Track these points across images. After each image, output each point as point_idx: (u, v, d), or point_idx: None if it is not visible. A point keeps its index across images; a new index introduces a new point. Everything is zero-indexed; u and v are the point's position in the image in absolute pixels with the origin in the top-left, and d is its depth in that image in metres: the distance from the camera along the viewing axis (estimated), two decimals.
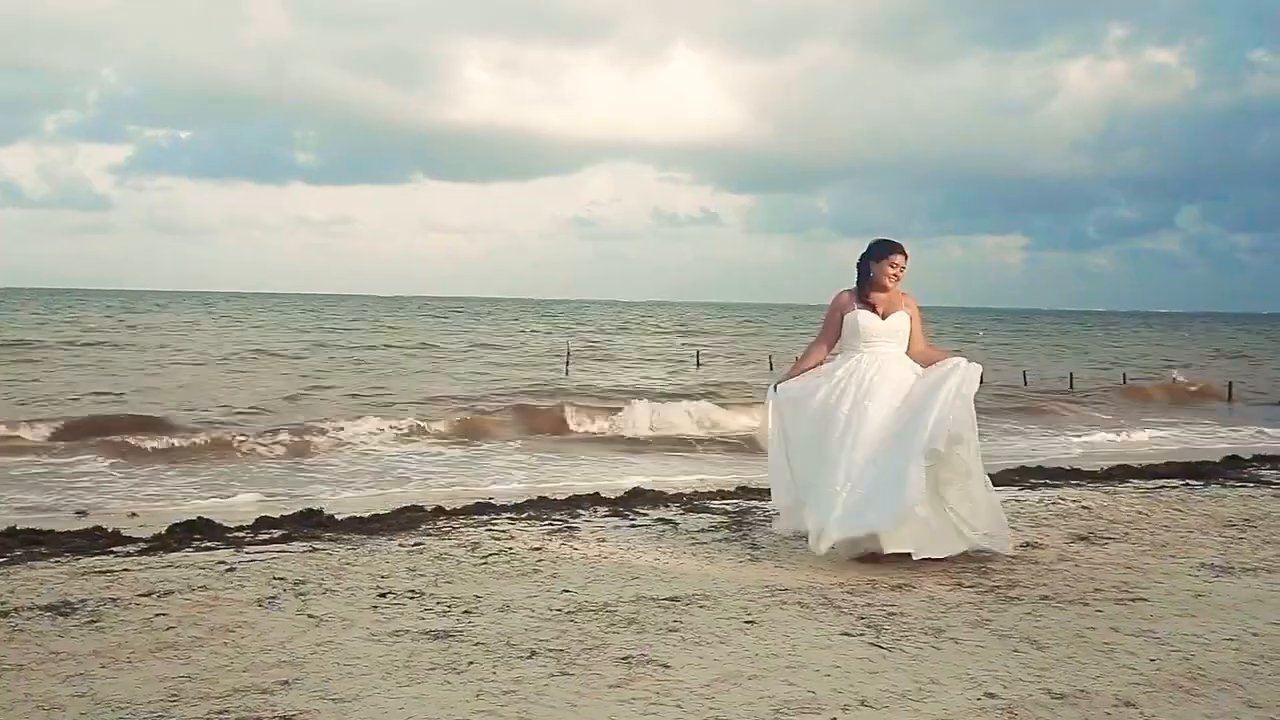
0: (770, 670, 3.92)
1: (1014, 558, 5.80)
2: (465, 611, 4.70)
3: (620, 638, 4.32)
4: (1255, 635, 4.38)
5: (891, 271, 5.80)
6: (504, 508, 7.72)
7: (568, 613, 4.69)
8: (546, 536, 6.43)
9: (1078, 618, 4.65)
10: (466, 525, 6.86)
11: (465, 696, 3.64)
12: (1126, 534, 6.60)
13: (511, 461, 13.97)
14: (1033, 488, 8.70)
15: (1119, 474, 9.67)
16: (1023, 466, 10.37)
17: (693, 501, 7.88)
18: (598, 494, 8.26)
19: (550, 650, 4.14)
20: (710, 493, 8.42)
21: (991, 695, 3.67)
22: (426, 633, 4.37)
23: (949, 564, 5.65)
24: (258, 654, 4.10)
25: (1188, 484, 8.96)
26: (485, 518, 7.20)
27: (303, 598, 4.93)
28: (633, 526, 6.82)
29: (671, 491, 8.49)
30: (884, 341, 5.76)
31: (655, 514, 7.28)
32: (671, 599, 4.92)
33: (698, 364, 36.32)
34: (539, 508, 7.69)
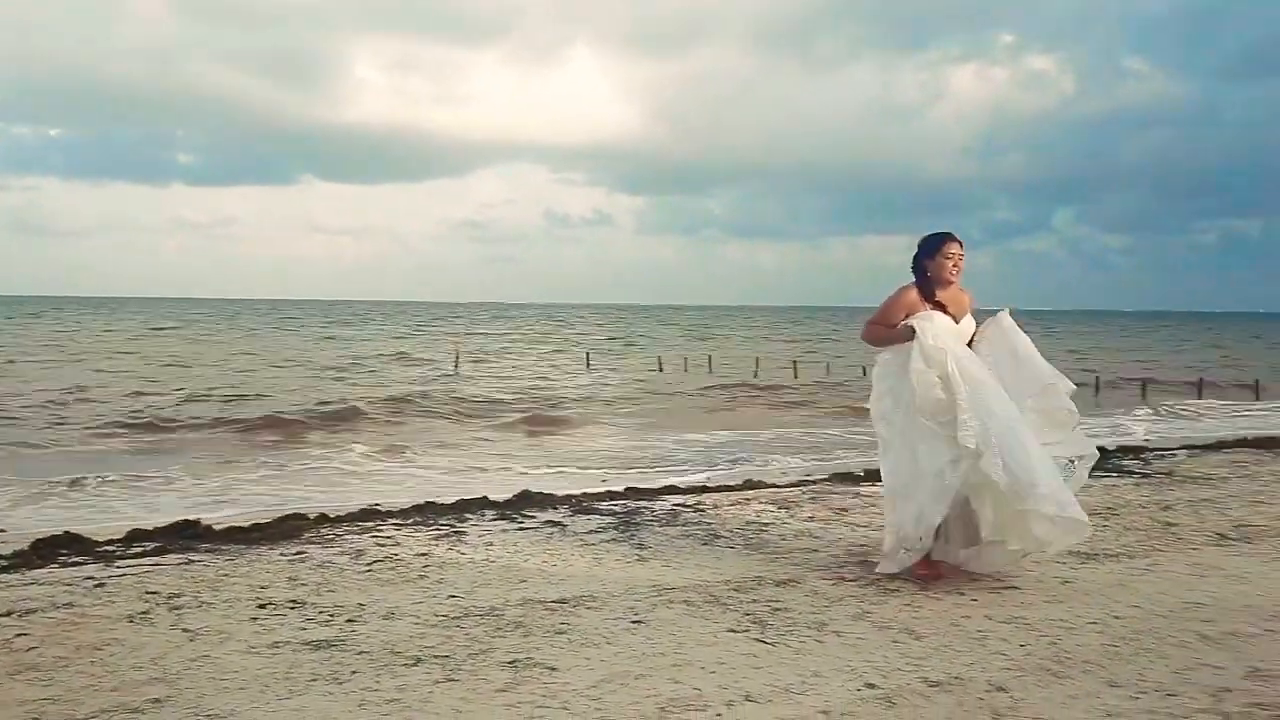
0: (657, 669, 3.94)
1: None
2: (348, 620, 4.61)
3: (507, 641, 4.29)
4: (1117, 618, 4.59)
5: (949, 264, 5.34)
6: (390, 513, 7.58)
7: (454, 618, 4.64)
8: (433, 542, 6.34)
9: (954, 607, 4.80)
10: (351, 532, 6.73)
11: (347, 707, 3.57)
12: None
13: None
14: None
15: None
16: None
17: (582, 503, 7.87)
18: (486, 498, 8.18)
19: (436, 657, 4.09)
20: (599, 494, 8.42)
21: (871, 686, 3.76)
22: (308, 643, 4.27)
23: (833, 559, 5.78)
24: (128, 672, 3.94)
25: None
26: (371, 524, 7.07)
27: (177, 612, 4.76)
28: (521, 530, 6.78)
29: (561, 494, 8.46)
30: (955, 345, 5.24)
31: (544, 516, 7.25)
32: (559, 601, 4.91)
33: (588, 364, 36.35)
34: (426, 513, 7.58)
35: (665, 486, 9.00)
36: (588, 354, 40.91)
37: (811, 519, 7.01)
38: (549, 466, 14.08)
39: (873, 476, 9.43)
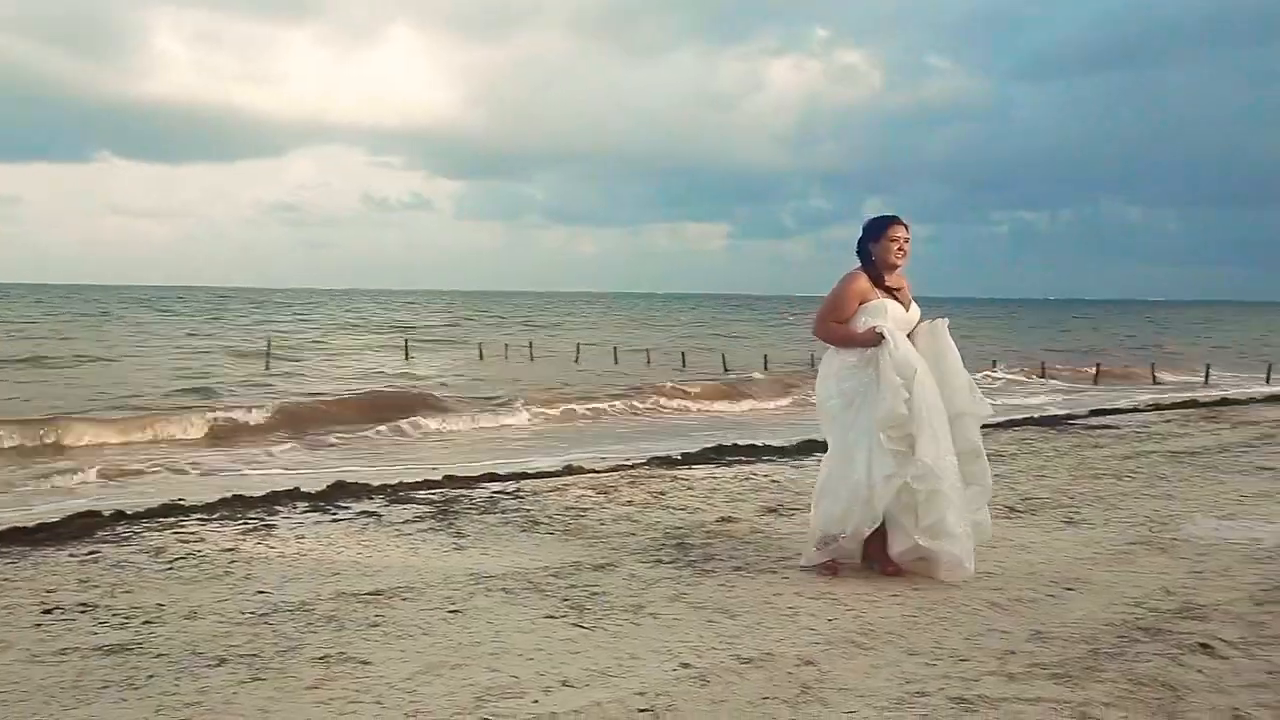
0: (473, 658, 3.90)
1: (711, 533, 6.09)
2: (146, 622, 4.37)
3: (318, 637, 4.16)
4: (916, 590, 4.83)
5: (895, 247, 5.10)
6: (194, 508, 7.23)
7: (261, 615, 4.46)
8: (241, 536, 6.09)
9: (766, 586, 4.94)
10: (151, 529, 6.37)
11: (142, 713, 3.38)
12: (811, 504, 7.06)
13: None
14: (728, 465, 9.17)
15: (806, 448, 10.36)
16: (719, 445, 10.92)
17: (398, 492, 7.71)
18: (298, 489, 7.91)
19: (241, 656, 3.93)
20: (416, 483, 8.27)
21: (686, 665, 3.83)
22: (99, 648, 4.02)
23: (651, 542, 5.86)
24: None
25: None
26: (173, 520, 6.72)
27: None
28: (334, 521, 6.58)
29: (376, 483, 8.26)
30: (904, 332, 5.09)
31: (359, 507, 7.06)
32: (373, 593, 4.79)
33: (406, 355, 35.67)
34: (233, 506, 7.26)
35: (485, 474, 8.90)
36: (406, 341, 40.08)
37: (630, 503, 7.09)
38: (365, 456, 13.75)
39: (690, 460, 9.64)
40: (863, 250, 5.21)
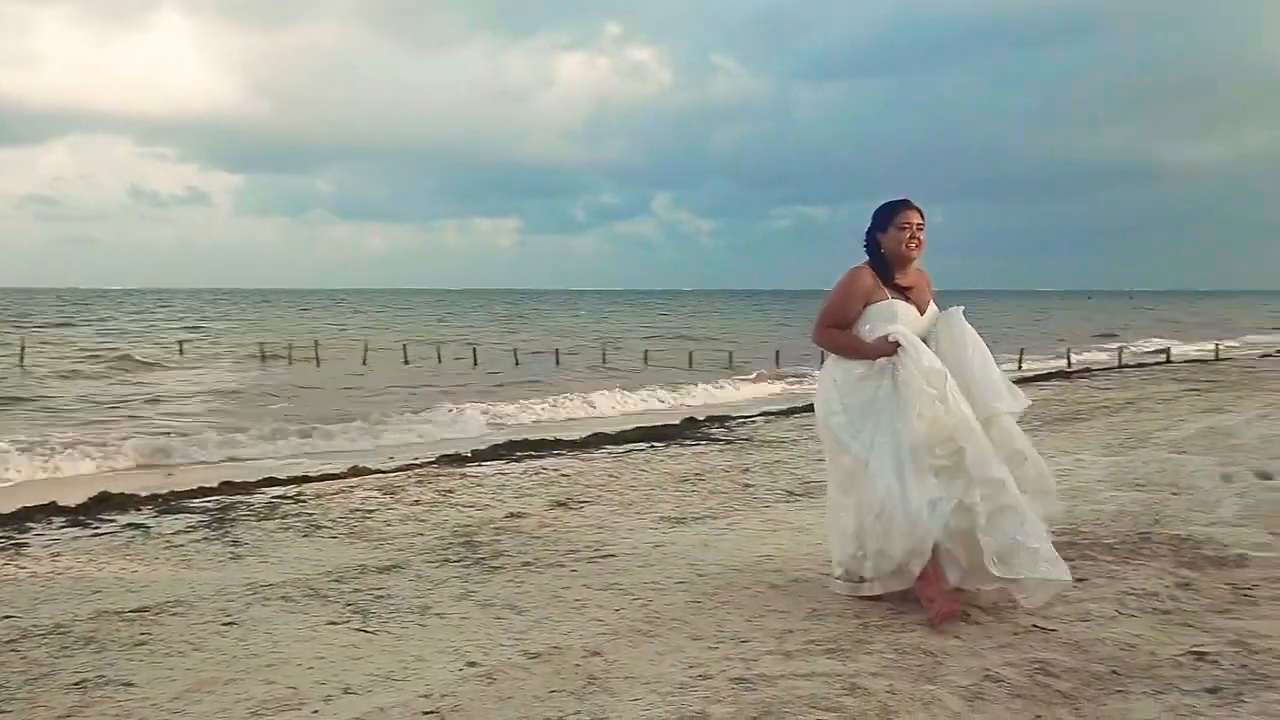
0: (249, 671, 3.73)
1: (500, 529, 6.06)
2: None
3: (75, 661, 3.88)
4: (701, 576, 4.96)
5: (906, 235, 4.36)
6: None
7: (8, 642, 4.11)
8: None
9: (555, 579, 4.95)
10: None
11: None
12: (599, 496, 7.16)
13: None
14: (518, 460, 9.15)
15: (595, 441, 10.48)
16: (510, 441, 10.89)
17: (169, 502, 7.28)
18: (54, 503, 7.33)
19: None
20: (189, 491, 7.83)
21: (473, 664, 3.79)
22: None
23: (439, 541, 5.77)
24: None
25: (652, 446, 9.95)
26: None
27: None
28: (95, 536, 6.15)
29: (145, 493, 7.77)
30: (919, 337, 4.35)
31: (124, 519, 6.62)
32: (139, 610, 4.51)
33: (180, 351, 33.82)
34: None
35: (264, 479, 8.53)
36: (180, 342, 37.97)
37: (417, 503, 6.96)
38: (132, 464, 12.91)
39: (480, 458, 9.55)
40: (870, 242, 4.48)
